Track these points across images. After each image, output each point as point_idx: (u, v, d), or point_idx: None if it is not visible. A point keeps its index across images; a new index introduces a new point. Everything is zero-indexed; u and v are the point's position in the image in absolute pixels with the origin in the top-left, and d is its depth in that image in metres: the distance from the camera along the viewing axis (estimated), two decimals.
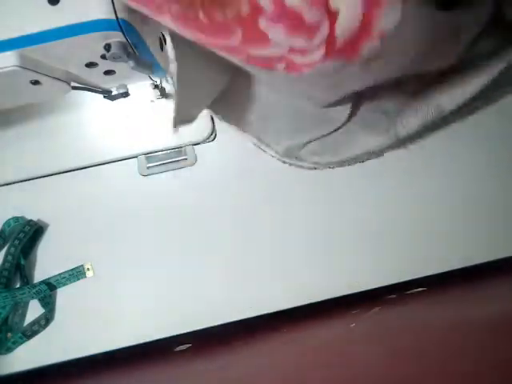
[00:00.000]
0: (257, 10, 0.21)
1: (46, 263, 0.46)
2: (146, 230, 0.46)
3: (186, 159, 0.48)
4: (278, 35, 0.21)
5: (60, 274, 0.45)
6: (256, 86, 0.37)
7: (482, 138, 0.47)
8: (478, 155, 0.47)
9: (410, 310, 0.44)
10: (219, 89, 0.36)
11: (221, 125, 0.46)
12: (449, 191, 0.47)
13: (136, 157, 0.48)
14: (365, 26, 0.21)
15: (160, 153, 0.48)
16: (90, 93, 0.40)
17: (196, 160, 0.48)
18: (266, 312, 0.44)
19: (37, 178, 0.48)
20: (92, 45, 0.33)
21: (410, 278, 0.45)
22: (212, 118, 0.48)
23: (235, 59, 0.25)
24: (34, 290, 0.44)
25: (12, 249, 0.44)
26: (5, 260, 0.44)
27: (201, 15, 0.22)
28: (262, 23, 0.21)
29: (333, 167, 0.44)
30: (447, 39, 0.27)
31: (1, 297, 0.43)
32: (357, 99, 0.35)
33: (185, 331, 0.44)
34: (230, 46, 0.23)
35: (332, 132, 0.39)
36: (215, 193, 0.47)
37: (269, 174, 0.47)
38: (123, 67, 0.35)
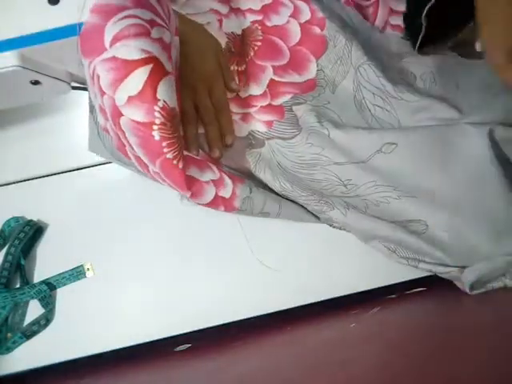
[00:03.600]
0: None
1: (46, 263, 0.46)
2: (146, 230, 0.46)
3: None
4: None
5: (60, 274, 0.45)
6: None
7: None
8: None
9: (409, 310, 0.44)
10: None
11: None
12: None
13: None
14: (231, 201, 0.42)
15: None
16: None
17: None
18: (265, 312, 0.44)
19: (37, 177, 0.48)
20: None
21: (409, 278, 0.45)
22: None
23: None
24: (34, 290, 0.44)
25: (12, 249, 0.44)
26: (5, 260, 0.44)
27: None
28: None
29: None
30: None
31: (1, 297, 0.43)
32: None
33: (185, 331, 0.44)
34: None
35: None
36: None
37: None
38: None
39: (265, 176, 0.44)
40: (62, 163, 0.48)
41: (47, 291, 0.44)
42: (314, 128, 0.44)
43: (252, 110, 0.45)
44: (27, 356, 0.43)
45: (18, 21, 0.32)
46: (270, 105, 0.45)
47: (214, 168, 0.41)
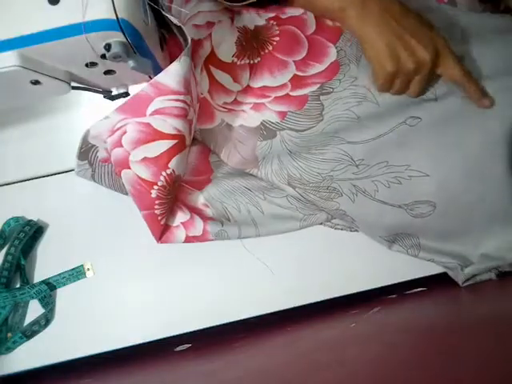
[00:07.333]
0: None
1: (46, 263, 0.46)
2: (146, 229, 0.46)
3: None
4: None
5: (60, 274, 0.45)
6: None
7: None
8: None
9: (410, 310, 0.44)
10: None
11: None
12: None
13: None
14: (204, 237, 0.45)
15: None
16: (89, 93, 0.40)
17: None
18: (265, 312, 0.44)
19: (37, 177, 0.48)
20: (92, 45, 0.33)
21: (409, 278, 0.45)
22: None
23: None
24: (34, 290, 0.44)
25: (12, 249, 0.44)
26: (5, 260, 0.44)
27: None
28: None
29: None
30: None
31: (1, 297, 0.43)
32: None
33: (185, 331, 0.44)
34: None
35: None
36: None
37: None
38: (123, 67, 0.35)
39: (271, 167, 0.44)
40: (62, 163, 0.48)
41: (47, 291, 0.44)
42: (340, 116, 0.43)
43: (266, 100, 0.45)
44: (27, 356, 0.43)
45: (17, 21, 0.32)
46: (287, 95, 0.44)
47: (185, 209, 0.44)
